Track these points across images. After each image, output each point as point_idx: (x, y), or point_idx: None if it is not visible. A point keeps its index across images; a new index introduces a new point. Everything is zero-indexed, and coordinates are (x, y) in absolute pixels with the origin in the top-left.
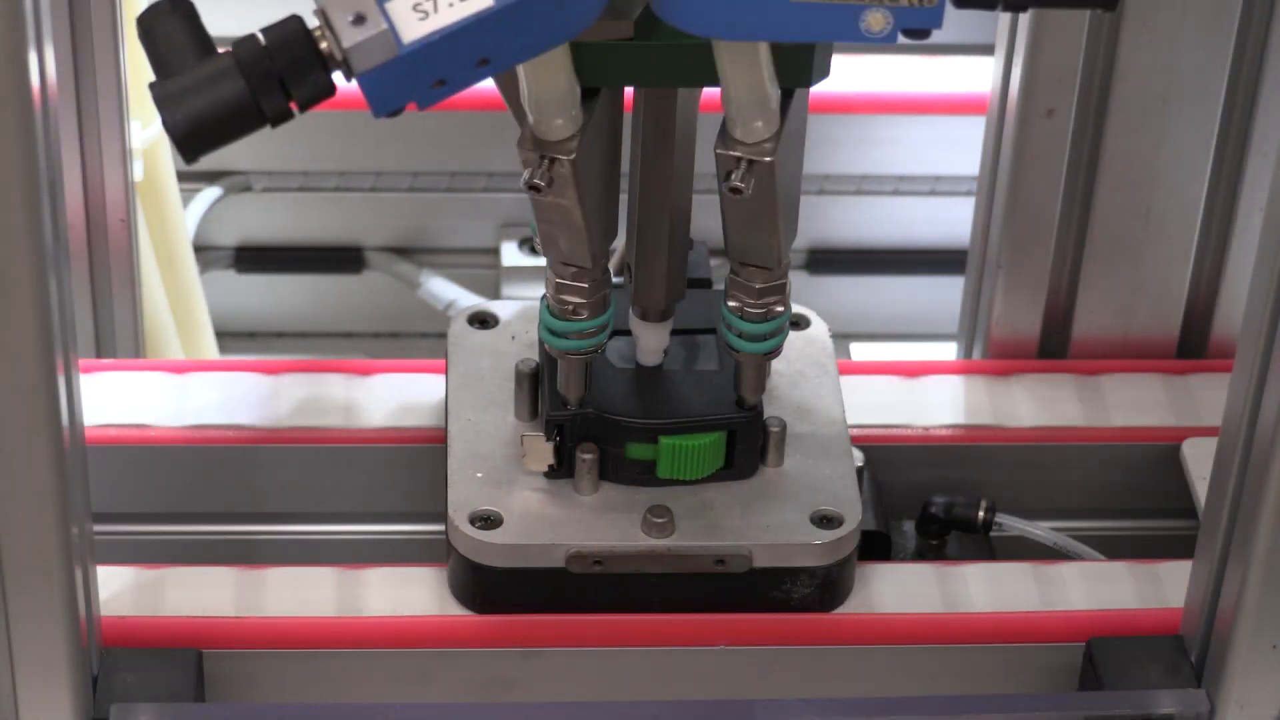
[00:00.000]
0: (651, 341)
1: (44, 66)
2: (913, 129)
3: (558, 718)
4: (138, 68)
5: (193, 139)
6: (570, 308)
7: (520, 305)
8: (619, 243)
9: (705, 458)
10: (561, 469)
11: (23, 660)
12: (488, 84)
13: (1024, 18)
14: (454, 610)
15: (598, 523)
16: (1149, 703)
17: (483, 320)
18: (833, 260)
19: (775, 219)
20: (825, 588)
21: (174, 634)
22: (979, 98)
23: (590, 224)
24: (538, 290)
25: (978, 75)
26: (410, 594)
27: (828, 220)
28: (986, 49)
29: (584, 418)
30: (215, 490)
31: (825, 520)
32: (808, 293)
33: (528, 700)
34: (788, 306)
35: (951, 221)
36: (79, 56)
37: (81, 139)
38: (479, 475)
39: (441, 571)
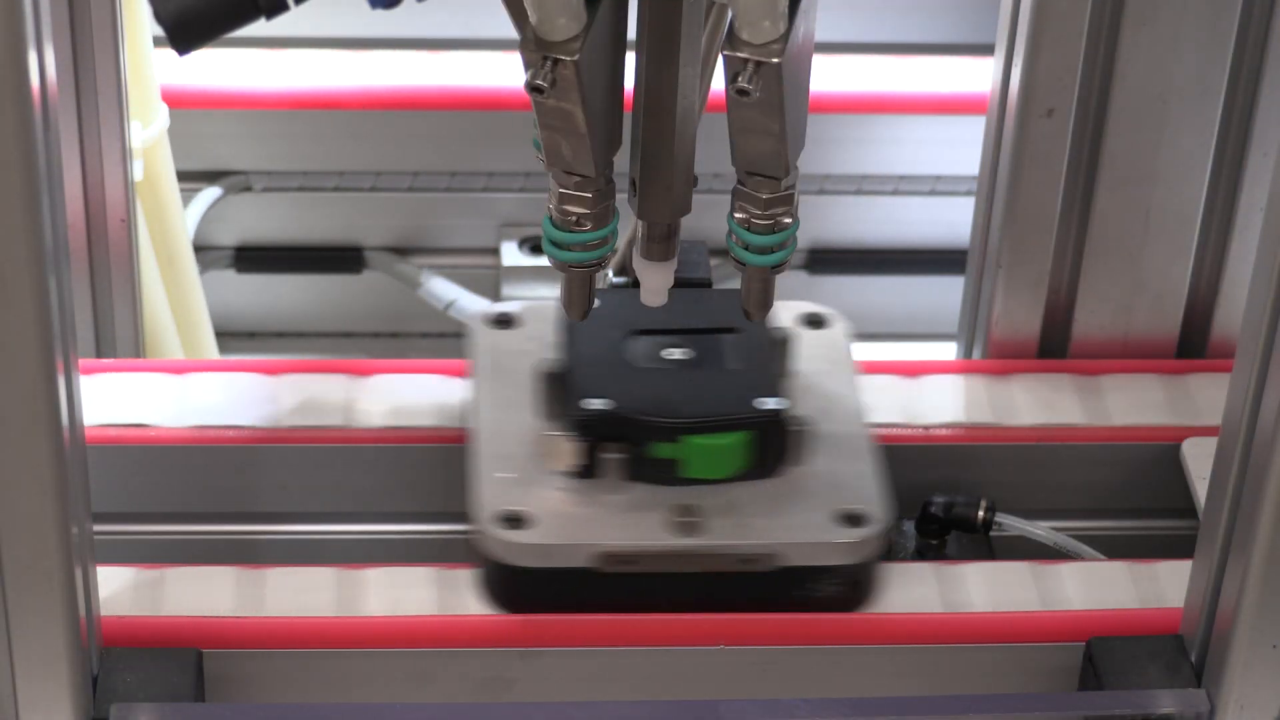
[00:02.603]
0: (654, 280)
1: (44, 66)
2: (913, 129)
3: (558, 718)
4: (138, 68)
5: (183, 27)
6: (574, 218)
7: (541, 305)
8: (622, 241)
9: (730, 457)
10: (587, 469)
11: (23, 660)
12: (486, 84)
13: (1024, 17)
14: (453, 610)
15: (624, 522)
16: (1149, 703)
17: (504, 321)
18: (833, 260)
19: (782, 125)
20: (851, 586)
21: (174, 634)
22: (979, 98)
23: (593, 129)
24: (538, 290)
25: (978, 75)
26: (410, 594)
27: (828, 220)
28: (986, 49)
29: (609, 417)
30: (215, 490)
31: (851, 519)
32: (808, 293)
33: (527, 700)
34: (795, 219)
35: (951, 221)
36: (79, 56)
37: (81, 139)
38: (506, 475)
39: (441, 571)
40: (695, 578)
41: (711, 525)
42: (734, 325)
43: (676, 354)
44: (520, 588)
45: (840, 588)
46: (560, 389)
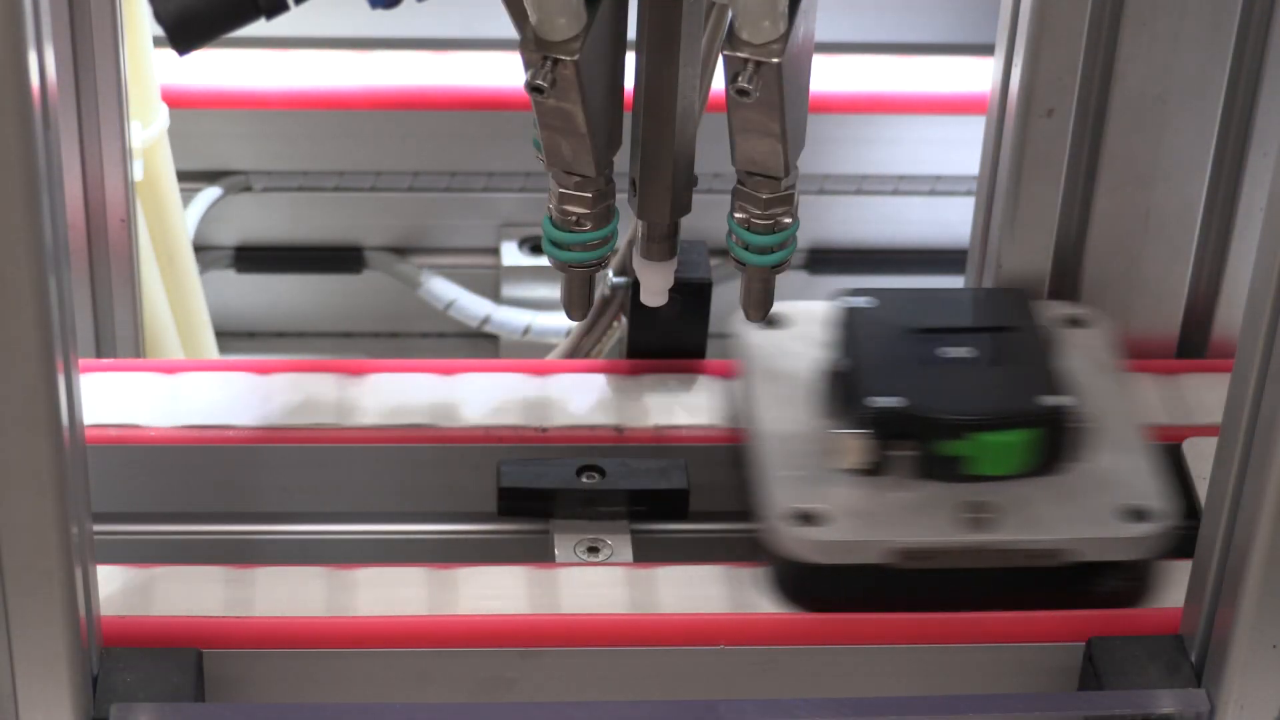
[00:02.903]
0: (654, 281)
1: (44, 66)
2: (913, 129)
3: (558, 717)
4: (138, 68)
5: (183, 27)
6: (574, 218)
7: (811, 305)
8: (622, 241)
9: (1019, 454)
10: (876, 466)
11: (23, 660)
12: (486, 84)
13: (1024, 17)
14: (450, 610)
15: (917, 519)
16: (1149, 703)
17: (772, 320)
18: (832, 260)
19: (782, 125)
20: (1138, 581)
21: (174, 634)
22: (979, 98)
23: (593, 129)
24: (538, 290)
25: (978, 75)
26: (408, 594)
27: (827, 220)
28: (986, 49)
29: (899, 415)
30: (214, 490)
31: (1136, 514)
32: (808, 292)
33: (525, 700)
34: (795, 219)
35: (951, 221)
36: (79, 56)
37: (81, 139)
38: (795, 474)
39: (438, 571)
40: (985, 574)
41: (1002, 521)
42: (1004, 324)
43: (954, 352)
44: (815, 585)
45: (1124, 583)
46: (845, 387)
